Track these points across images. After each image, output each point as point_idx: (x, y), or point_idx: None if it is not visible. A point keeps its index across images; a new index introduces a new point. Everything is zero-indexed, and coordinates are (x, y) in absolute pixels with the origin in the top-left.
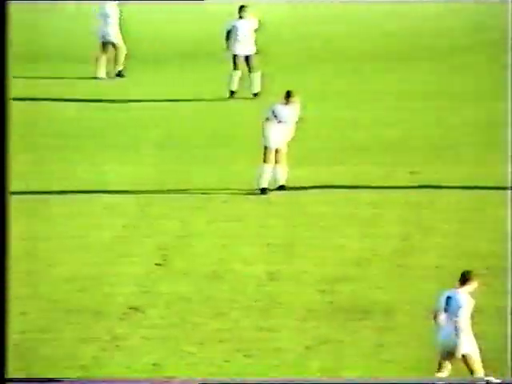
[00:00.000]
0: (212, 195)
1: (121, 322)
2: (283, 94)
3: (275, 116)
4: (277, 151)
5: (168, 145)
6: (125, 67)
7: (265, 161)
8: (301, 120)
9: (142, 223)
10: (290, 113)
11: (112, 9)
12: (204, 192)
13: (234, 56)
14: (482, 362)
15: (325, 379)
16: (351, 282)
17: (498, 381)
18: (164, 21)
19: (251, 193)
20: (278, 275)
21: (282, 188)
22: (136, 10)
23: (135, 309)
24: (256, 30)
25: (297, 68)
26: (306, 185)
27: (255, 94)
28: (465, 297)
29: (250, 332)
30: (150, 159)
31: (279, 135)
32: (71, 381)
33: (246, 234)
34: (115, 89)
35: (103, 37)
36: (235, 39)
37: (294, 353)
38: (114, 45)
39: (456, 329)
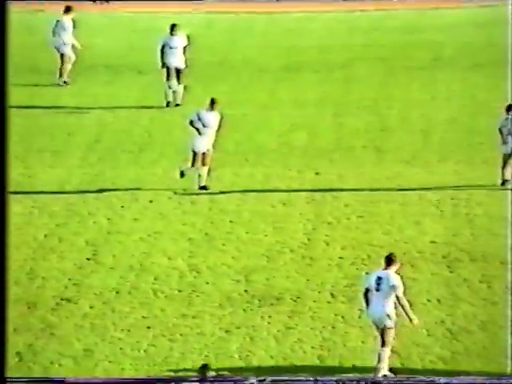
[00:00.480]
0: (138, 195)
1: (54, 312)
2: (208, 101)
3: (200, 121)
4: (203, 154)
5: (97, 149)
6: (68, 76)
7: (192, 164)
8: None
9: (71, 222)
10: (213, 118)
11: (68, 22)
12: (130, 192)
13: (168, 69)
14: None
15: (325, 379)
16: (264, 272)
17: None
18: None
19: (174, 192)
20: (198, 267)
21: (203, 188)
22: (84, 20)
23: (67, 300)
24: (186, 46)
25: (214, 78)
26: (224, 185)
27: (177, 105)
28: (395, 276)
29: (173, 319)
30: (78, 162)
31: (205, 139)
32: (71, 381)
33: (169, 231)
34: (49, 96)
35: (59, 47)
36: (168, 54)
37: (214, 336)
38: (68, 55)
39: (385, 305)
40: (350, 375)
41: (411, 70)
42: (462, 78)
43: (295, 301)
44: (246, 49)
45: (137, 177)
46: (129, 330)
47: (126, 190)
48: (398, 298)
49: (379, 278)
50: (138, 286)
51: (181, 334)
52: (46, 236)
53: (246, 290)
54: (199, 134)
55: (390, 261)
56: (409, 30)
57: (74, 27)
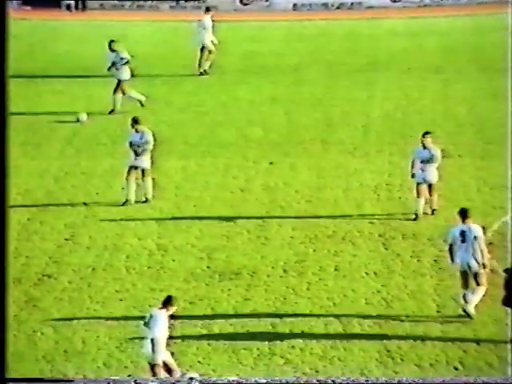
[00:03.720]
0: (111, 183)
1: (36, 287)
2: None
3: (129, 141)
4: (142, 170)
5: (75, 142)
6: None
7: (126, 178)
8: (180, 122)
9: (51, 207)
10: (140, 138)
11: (208, 21)
12: (105, 181)
13: (118, 81)
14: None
15: (325, 379)
16: (224, 250)
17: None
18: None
19: (140, 185)
20: (165, 247)
21: (146, 201)
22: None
23: (48, 276)
24: (127, 62)
25: (181, 79)
26: (188, 174)
27: (111, 111)
28: (476, 227)
29: (143, 293)
30: (57, 154)
31: (139, 158)
32: (71, 381)
33: (139, 215)
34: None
35: (200, 43)
36: (115, 67)
37: (180, 307)
38: (208, 48)
39: (474, 251)
40: (344, 378)
41: (352, 72)
42: (396, 80)
43: (251, 276)
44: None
45: (111, 167)
46: (103, 303)
47: (101, 178)
48: (480, 245)
49: (463, 232)
50: (112, 263)
51: (150, 306)
52: (29, 219)
53: (208, 267)
54: (134, 153)
55: (465, 214)
56: (351, 38)
57: (213, 26)
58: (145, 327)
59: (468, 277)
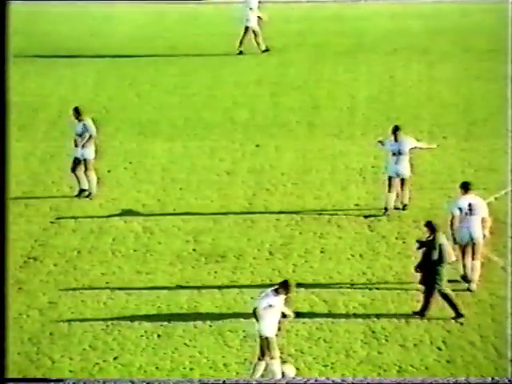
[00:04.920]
0: (97, 166)
1: (22, 270)
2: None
3: (77, 134)
4: (85, 161)
5: (59, 124)
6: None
7: (72, 170)
8: (167, 105)
9: (37, 189)
10: (82, 128)
11: (254, 1)
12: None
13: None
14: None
15: (325, 379)
16: (210, 233)
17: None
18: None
19: (130, 163)
20: (151, 229)
21: (89, 196)
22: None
23: (34, 259)
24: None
25: (166, 62)
26: (175, 156)
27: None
28: (481, 199)
29: (129, 275)
30: (42, 136)
31: (82, 149)
32: (71, 381)
33: (125, 197)
34: (16, 77)
35: (245, 22)
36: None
37: (166, 290)
38: (252, 29)
39: (480, 223)
40: (344, 378)
41: (338, 54)
42: (381, 61)
43: (237, 258)
44: (194, 36)
45: (96, 149)
46: (89, 285)
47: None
48: (483, 217)
49: (470, 204)
50: (98, 246)
51: (136, 288)
52: (14, 202)
53: (194, 249)
54: (75, 145)
55: (467, 188)
56: (336, 19)
57: (259, 6)
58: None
59: (467, 249)
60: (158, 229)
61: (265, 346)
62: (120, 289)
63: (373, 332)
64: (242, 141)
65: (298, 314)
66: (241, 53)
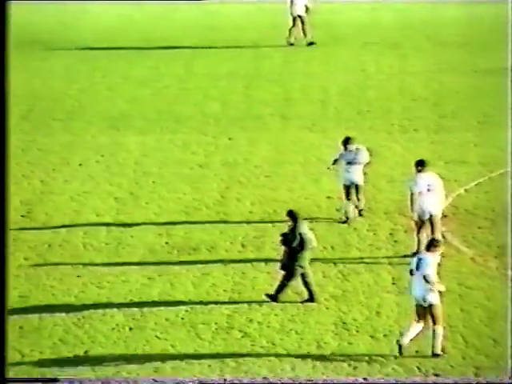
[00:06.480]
0: (68, 159)
1: None
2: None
3: None
4: None
5: (30, 118)
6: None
7: None
8: (139, 98)
9: (5, 183)
10: None
11: None
12: (61, 157)
13: None
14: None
15: (325, 379)
16: (182, 226)
17: None
18: None
19: (102, 156)
20: (124, 223)
21: None
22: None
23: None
24: None
25: (139, 55)
26: (147, 150)
27: None
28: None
29: (101, 268)
30: (13, 129)
31: None
32: (71, 381)
33: (97, 191)
34: None
35: (293, 13)
36: None
37: (138, 283)
38: (301, 18)
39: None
40: (343, 378)
41: (311, 47)
42: (353, 55)
43: (210, 251)
44: (166, 29)
45: (67, 143)
46: (60, 279)
47: (58, 154)
48: (440, 194)
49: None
50: (69, 240)
51: (108, 282)
52: None
53: (166, 242)
54: None
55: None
56: (310, 11)
57: None
58: (415, 270)
59: (424, 225)
60: (130, 222)
61: (429, 312)
62: (91, 282)
63: (344, 323)
64: (215, 134)
65: (271, 307)
66: (292, 45)
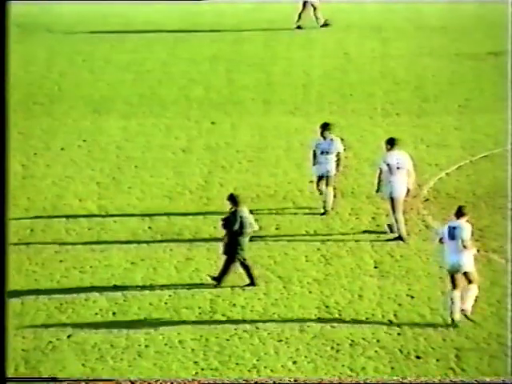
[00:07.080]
0: (50, 144)
1: None
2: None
3: None
4: None
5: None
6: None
7: None
8: (121, 82)
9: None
10: None
11: None
12: (43, 141)
13: None
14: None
15: (325, 379)
16: (165, 211)
17: None
18: None
19: (84, 141)
20: (106, 208)
21: None
22: None
23: None
24: None
25: (120, 38)
26: (130, 134)
27: None
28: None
29: (84, 253)
30: None
31: None
32: (71, 381)
33: (79, 176)
34: None
35: None
36: None
37: (121, 267)
38: (311, 3)
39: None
40: (342, 378)
41: (293, 31)
42: (335, 38)
43: (193, 236)
44: (149, 12)
45: (49, 127)
46: (43, 264)
47: (39, 139)
48: (408, 171)
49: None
50: (51, 225)
51: (90, 266)
52: None
53: (149, 227)
54: None
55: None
56: None
57: None
58: (447, 239)
59: (397, 204)
60: (112, 207)
61: (465, 277)
62: (74, 267)
63: (326, 307)
64: (198, 118)
65: (254, 291)
66: (299, 27)
